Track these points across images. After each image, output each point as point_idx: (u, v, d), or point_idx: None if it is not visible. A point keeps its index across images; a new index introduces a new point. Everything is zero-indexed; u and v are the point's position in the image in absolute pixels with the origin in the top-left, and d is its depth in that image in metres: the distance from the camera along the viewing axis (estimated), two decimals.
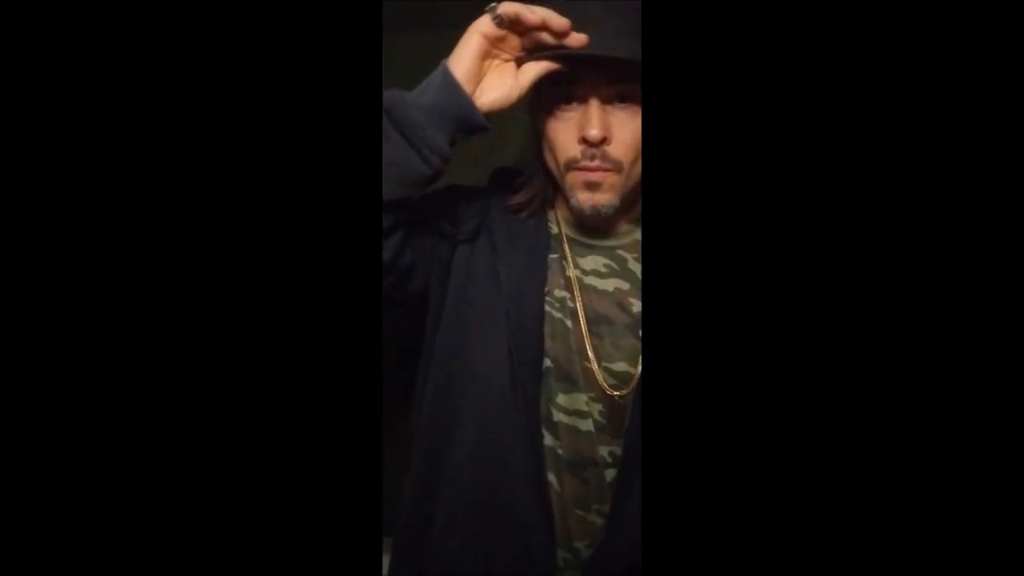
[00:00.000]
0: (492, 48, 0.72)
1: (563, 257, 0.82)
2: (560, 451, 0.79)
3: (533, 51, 0.73)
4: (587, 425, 0.78)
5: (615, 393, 0.78)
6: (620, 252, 0.82)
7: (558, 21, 0.70)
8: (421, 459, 0.82)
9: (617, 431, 0.78)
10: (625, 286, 0.80)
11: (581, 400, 0.79)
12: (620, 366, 0.78)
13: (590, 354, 0.78)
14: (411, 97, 0.71)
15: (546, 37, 0.71)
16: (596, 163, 0.75)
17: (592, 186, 0.76)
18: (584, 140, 0.74)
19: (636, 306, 0.79)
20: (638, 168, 0.76)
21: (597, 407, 0.78)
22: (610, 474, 0.78)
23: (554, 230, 0.84)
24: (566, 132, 0.75)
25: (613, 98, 0.74)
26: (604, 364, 0.79)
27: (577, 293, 0.80)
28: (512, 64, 0.74)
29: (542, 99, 0.77)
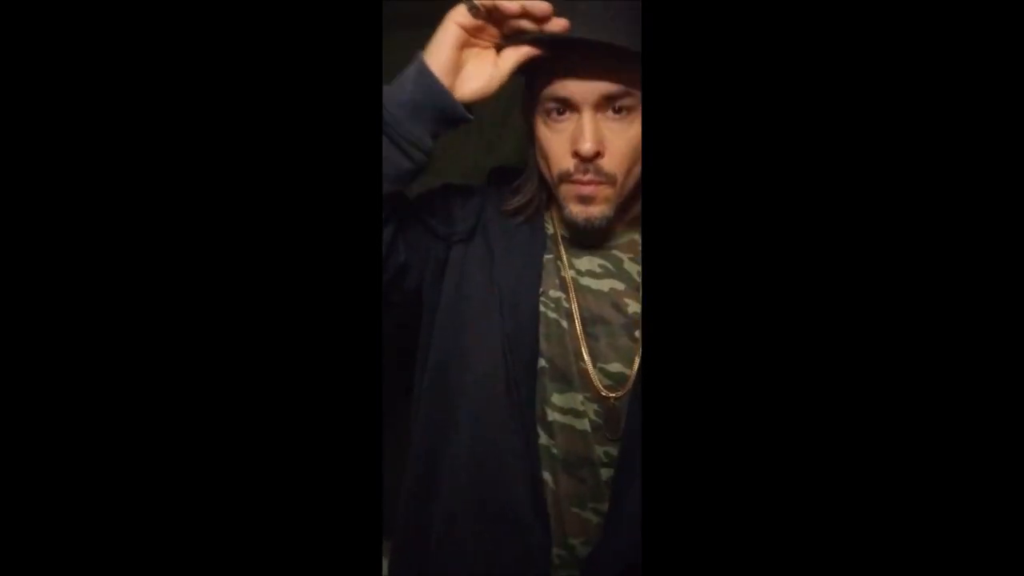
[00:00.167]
0: (470, 38, 0.71)
1: (558, 258, 0.82)
2: (555, 450, 0.79)
3: (513, 37, 0.71)
4: (583, 425, 0.78)
5: (610, 395, 0.78)
6: (615, 252, 0.82)
7: (538, 5, 0.67)
8: (418, 460, 0.82)
9: (613, 432, 0.78)
10: (620, 286, 0.80)
11: (577, 400, 0.79)
12: (615, 367, 0.79)
13: (585, 355, 0.78)
14: (388, 92, 0.70)
15: (526, 24, 0.69)
16: (589, 176, 0.74)
17: (585, 199, 0.75)
18: (577, 154, 0.73)
19: (631, 307, 0.79)
20: (632, 178, 0.76)
21: (593, 407, 0.79)
22: (606, 473, 0.78)
23: (550, 230, 0.84)
24: (559, 144, 0.74)
25: (607, 109, 0.73)
26: (599, 365, 0.79)
27: (572, 293, 0.80)
28: (491, 51, 0.72)
29: (535, 106, 0.76)
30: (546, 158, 0.76)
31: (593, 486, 0.78)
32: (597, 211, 0.76)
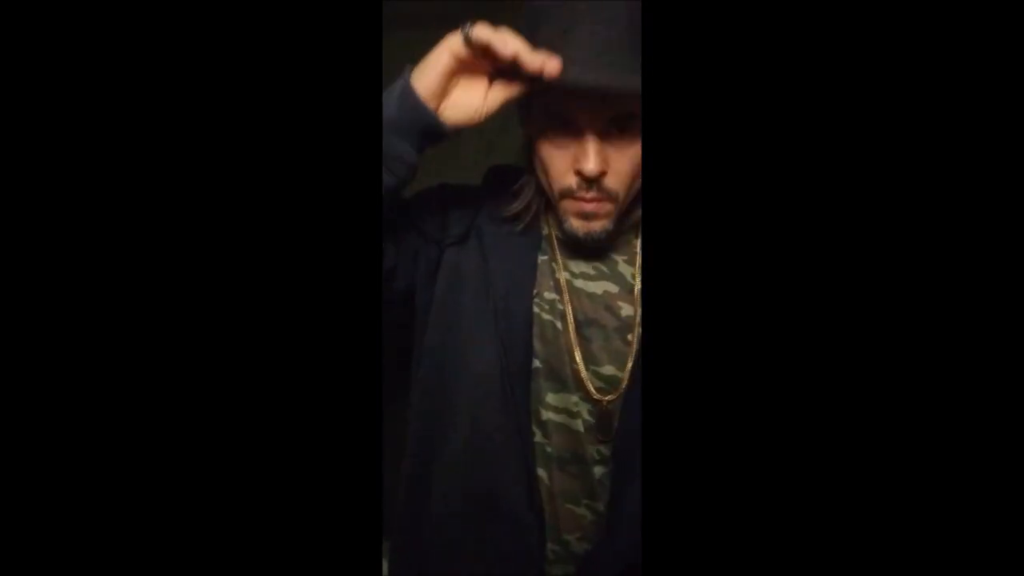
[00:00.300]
0: (461, 67, 0.69)
1: (553, 259, 0.82)
2: (549, 448, 0.79)
3: (505, 73, 0.69)
4: (577, 425, 0.79)
5: (603, 398, 0.78)
6: (609, 255, 0.82)
7: (531, 60, 0.65)
8: (414, 459, 0.83)
9: (606, 434, 0.78)
10: (614, 289, 0.80)
11: (571, 400, 0.79)
12: (608, 370, 0.79)
13: (578, 358, 0.79)
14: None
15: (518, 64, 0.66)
16: (592, 194, 0.73)
17: (587, 216, 0.74)
18: (579, 172, 0.72)
19: (624, 309, 0.80)
20: (633, 191, 0.75)
21: (587, 407, 0.79)
22: (599, 471, 0.78)
23: (544, 230, 0.84)
24: (561, 160, 0.73)
25: (610, 128, 0.71)
26: (592, 367, 0.79)
27: (566, 296, 0.80)
28: (482, 81, 0.70)
29: (536, 120, 0.74)
30: (546, 172, 0.75)
31: (587, 483, 0.78)
32: (599, 226, 0.75)
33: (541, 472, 0.79)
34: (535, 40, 0.68)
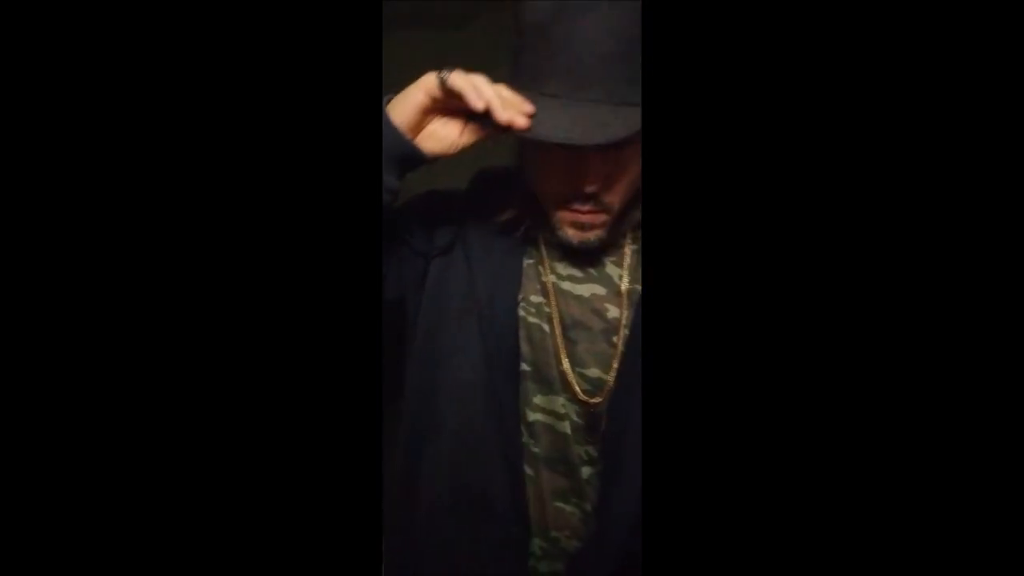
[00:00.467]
0: (436, 105, 0.70)
1: (540, 262, 0.82)
2: (537, 449, 0.79)
3: (478, 117, 0.69)
4: (564, 427, 0.79)
5: (590, 400, 0.78)
6: (599, 256, 0.81)
7: (501, 115, 0.66)
8: (404, 458, 0.83)
9: (592, 436, 0.79)
10: (601, 291, 0.80)
11: (558, 402, 0.79)
12: (594, 372, 0.79)
13: (564, 360, 0.79)
14: None
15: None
16: (588, 207, 0.73)
17: (583, 227, 0.75)
18: (577, 189, 0.72)
19: (611, 311, 0.80)
20: (629, 201, 0.75)
21: (574, 408, 0.79)
22: (586, 471, 0.79)
23: (533, 234, 0.83)
24: (557, 174, 0.73)
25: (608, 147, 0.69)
26: (578, 370, 0.79)
27: (553, 299, 0.80)
28: (459, 119, 0.72)
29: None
30: (540, 182, 0.76)
31: (575, 483, 0.79)
32: (593, 236, 0.76)
33: (529, 471, 0.79)
34: (519, 59, 0.69)
